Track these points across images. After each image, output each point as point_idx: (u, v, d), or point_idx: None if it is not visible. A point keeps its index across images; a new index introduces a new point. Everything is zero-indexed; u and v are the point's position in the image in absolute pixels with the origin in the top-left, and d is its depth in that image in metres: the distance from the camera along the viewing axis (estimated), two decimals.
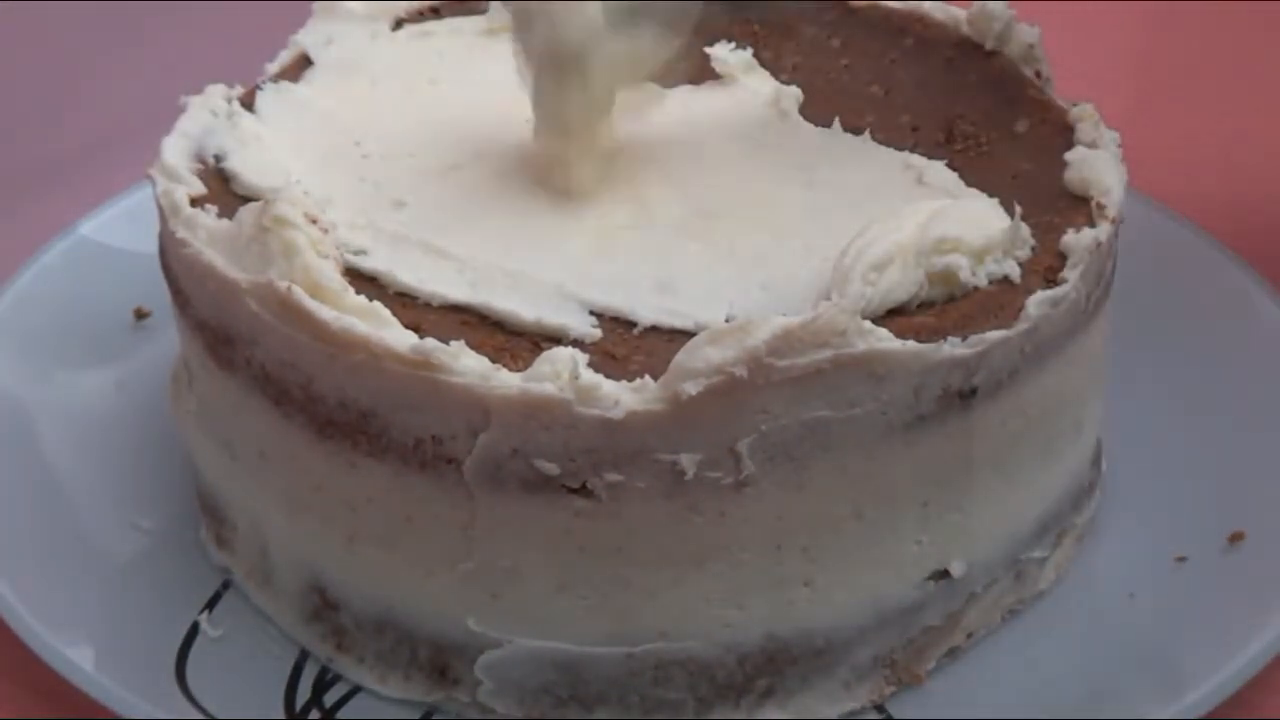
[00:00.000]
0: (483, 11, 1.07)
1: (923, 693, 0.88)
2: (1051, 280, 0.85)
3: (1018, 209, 0.86)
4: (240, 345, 0.85)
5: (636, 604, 0.82)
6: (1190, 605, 0.91)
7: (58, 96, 1.39)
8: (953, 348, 0.81)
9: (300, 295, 0.81)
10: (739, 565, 0.82)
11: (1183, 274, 1.09)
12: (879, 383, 0.79)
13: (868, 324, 0.79)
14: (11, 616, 0.90)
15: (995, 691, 0.88)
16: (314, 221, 0.85)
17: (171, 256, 0.90)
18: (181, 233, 0.87)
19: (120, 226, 1.14)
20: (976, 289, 0.84)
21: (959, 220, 0.85)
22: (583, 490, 0.79)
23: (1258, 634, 0.87)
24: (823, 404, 0.79)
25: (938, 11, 1.05)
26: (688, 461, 0.78)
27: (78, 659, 0.88)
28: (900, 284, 0.82)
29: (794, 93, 0.99)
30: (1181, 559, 0.93)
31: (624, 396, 0.78)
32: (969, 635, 0.90)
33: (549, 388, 0.78)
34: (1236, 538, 0.94)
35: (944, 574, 0.87)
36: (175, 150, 0.94)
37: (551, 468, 0.79)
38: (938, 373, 0.81)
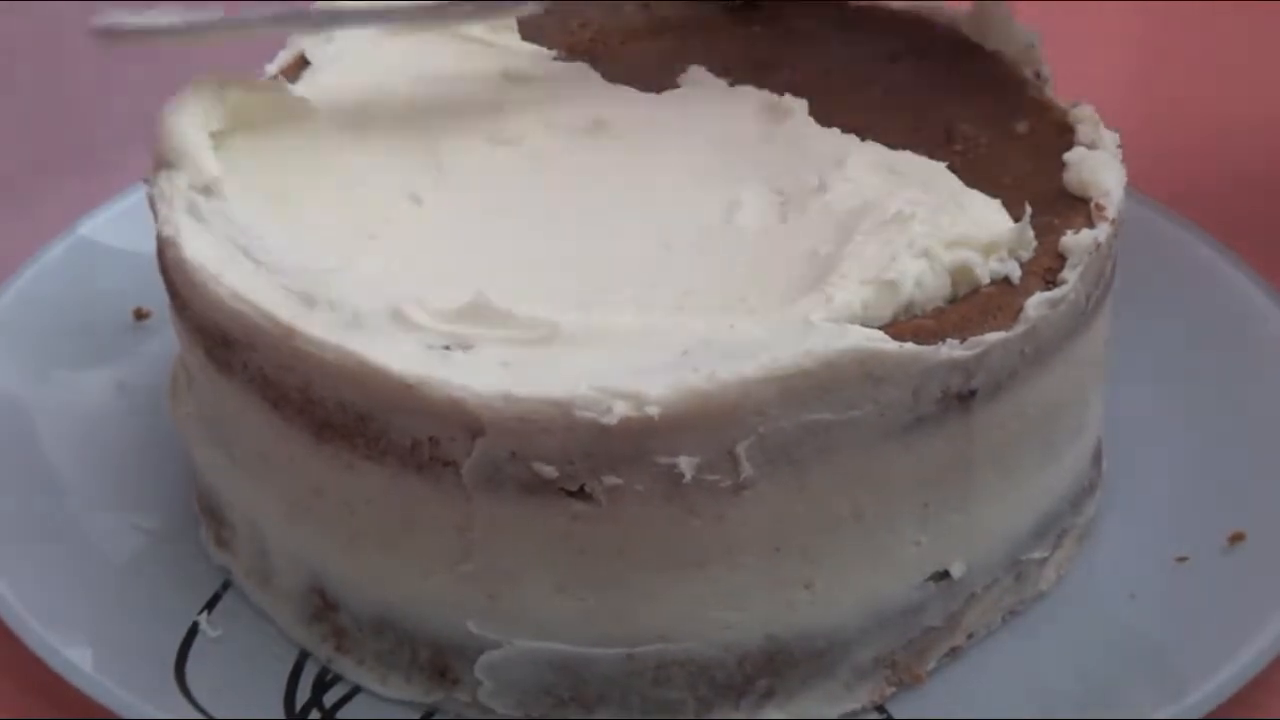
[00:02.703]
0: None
1: (923, 693, 0.88)
2: (1051, 281, 0.85)
3: (1028, 208, 0.86)
4: (238, 349, 0.85)
5: (636, 606, 0.82)
6: (1190, 605, 0.91)
7: (58, 96, 1.39)
8: (951, 349, 0.81)
9: None
10: (738, 567, 0.82)
11: (1182, 274, 1.09)
12: (877, 385, 0.79)
13: (863, 328, 0.79)
14: (11, 616, 0.90)
15: (995, 691, 0.88)
16: None
17: (169, 260, 0.90)
18: None
19: (120, 226, 1.14)
20: (976, 290, 0.84)
21: (967, 219, 0.85)
22: (581, 493, 0.79)
23: (1258, 634, 0.87)
24: (821, 406, 0.79)
25: (937, 12, 1.05)
26: (686, 464, 0.78)
27: (77, 659, 0.88)
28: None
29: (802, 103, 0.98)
30: (1182, 559, 0.93)
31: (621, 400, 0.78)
32: (969, 636, 0.90)
33: None
34: (1236, 538, 0.94)
35: (944, 575, 0.87)
36: None
37: (550, 470, 0.79)
38: (937, 374, 0.81)
